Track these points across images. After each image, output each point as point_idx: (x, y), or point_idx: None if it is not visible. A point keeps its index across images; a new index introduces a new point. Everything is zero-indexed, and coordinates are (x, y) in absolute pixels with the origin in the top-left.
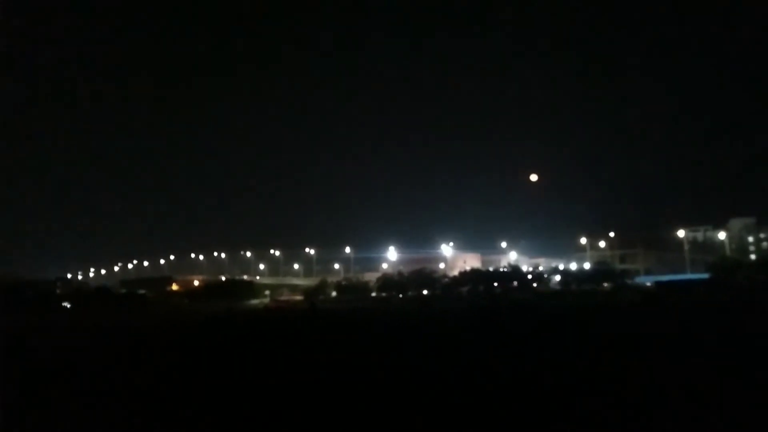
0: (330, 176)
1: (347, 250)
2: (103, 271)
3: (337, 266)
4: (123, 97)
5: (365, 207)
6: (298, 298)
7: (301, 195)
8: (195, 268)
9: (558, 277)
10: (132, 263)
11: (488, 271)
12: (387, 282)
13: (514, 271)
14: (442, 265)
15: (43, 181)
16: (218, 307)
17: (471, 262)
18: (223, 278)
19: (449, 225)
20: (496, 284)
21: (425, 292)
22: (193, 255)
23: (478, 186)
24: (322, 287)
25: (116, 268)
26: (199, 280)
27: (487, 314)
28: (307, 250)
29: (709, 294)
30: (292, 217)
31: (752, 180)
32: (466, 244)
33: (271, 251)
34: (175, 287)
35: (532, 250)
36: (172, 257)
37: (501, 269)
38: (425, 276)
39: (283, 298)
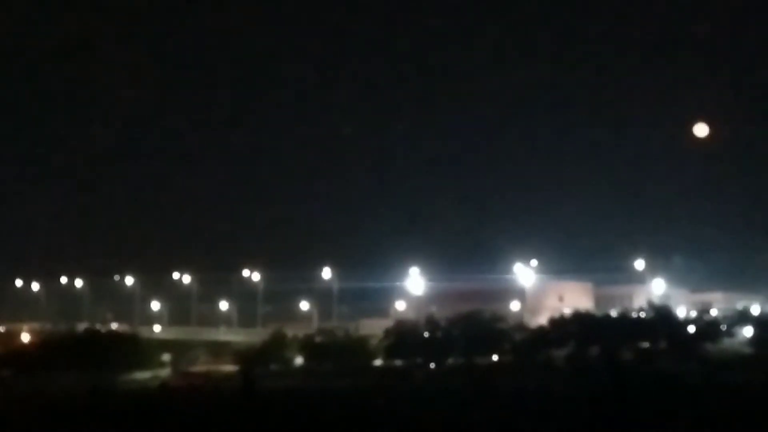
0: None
1: (326, 274)
2: None
3: (305, 306)
4: None
5: (364, 196)
6: (227, 368)
7: (235, 175)
8: (25, 307)
9: (750, 330)
10: None
11: (608, 317)
12: (404, 338)
13: (662, 317)
14: (514, 305)
15: None
16: (70, 385)
17: (574, 298)
18: (83, 328)
19: (529, 230)
20: (624, 345)
21: (481, 358)
22: (19, 283)
23: (585, 158)
24: (274, 347)
25: None
26: (32, 331)
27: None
28: (245, 273)
29: None
30: (217, 214)
31: None
32: (562, 264)
33: (175, 276)
34: None
35: (694, 277)
36: None
37: (635, 314)
38: (481, 326)
39: (198, 368)
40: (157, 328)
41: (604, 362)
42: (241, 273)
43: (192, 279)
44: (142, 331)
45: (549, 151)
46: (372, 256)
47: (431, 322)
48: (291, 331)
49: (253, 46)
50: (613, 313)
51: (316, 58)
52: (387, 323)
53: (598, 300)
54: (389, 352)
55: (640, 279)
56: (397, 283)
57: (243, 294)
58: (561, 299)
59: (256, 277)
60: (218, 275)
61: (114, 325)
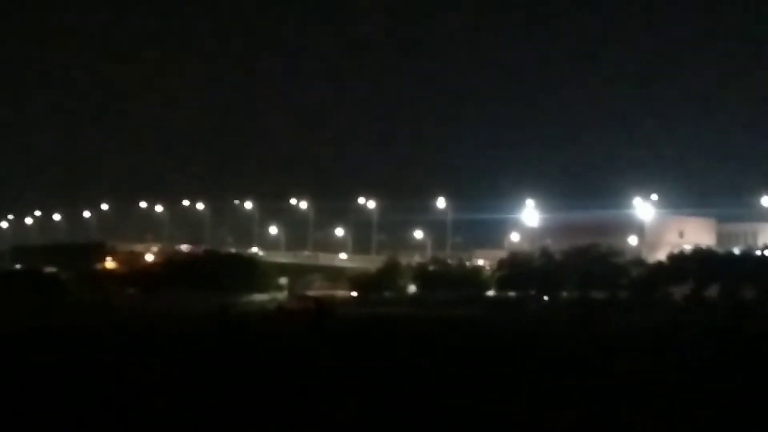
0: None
1: (440, 203)
2: None
3: (419, 235)
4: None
5: (474, 124)
6: (343, 293)
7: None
8: (148, 228)
9: None
10: (34, 216)
11: (730, 254)
12: (517, 269)
13: None
14: (632, 240)
15: None
16: (192, 305)
17: (695, 234)
18: (202, 249)
19: (648, 163)
20: (746, 284)
21: (596, 293)
22: (143, 204)
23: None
24: (388, 275)
25: (4, 224)
26: (155, 252)
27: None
28: (360, 200)
29: None
30: (330, 141)
31: None
32: (684, 199)
33: (292, 201)
34: (111, 264)
35: None
36: (105, 207)
37: (759, 252)
38: (596, 260)
39: (314, 292)
40: (270, 253)
41: (729, 303)
42: (356, 201)
43: (309, 205)
44: (260, 255)
45: (673, 86)
46: (487, 186)
47: (546, 255)
48: (405, 260)
49: None
50: (736, 251)
51: None
52: (501, 254)
53: (721, 237)
54: (502, 283)
55: (766, 216)
56: (512, 215)
57: (358, 221)
58: (681, 235)
59: (371, 205)
60: (334, 202)
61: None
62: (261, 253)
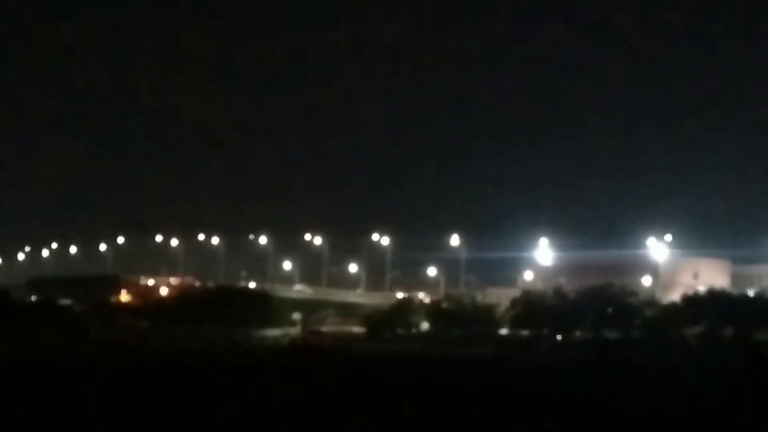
0: (427, 108)
1: (454, 240)
2: None
3: (432, 272)
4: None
5: (490, 161)
6: (356, 329)
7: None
8: (163, 262)
9: None
10: (51, 248)
11: (745, 296)
12: (531, 308)
13: None
14: (646, 280)
15: None
16: (206, 338)
17: (709, 275)
18: (217, 284)
19: (663, 203)
20: (760, 326)
21: (609, 333)
22: (159, 238)
23: (726, 135)
24: (401, 311)
25: (22, 256)
26: (170, 285)
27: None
28: (374, 237)
29: None
30: (347, 180)
31: None
32: (698, 240)
33: (306, 237)
34: (125, 297)
35: None
36: (120, 240)
37: None
38: (610, 300)
39: (328, 328)
40: (294, 288)
41: (743, 344)
42: (371, 237)
43: (323, 240)
44: (275, 289)
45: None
46: (501, 225)
47: (559, 294)
48: (418, 296)
49: None
50: (751, 293)
51: None
52: (514, 293)
53: (735, 278)
54: (515, 322)
55: None
56: (526, 253)
57: (372, 257)
58: (696, 276)
59: (385, 241)
60: (349, 238)
61: (252, 284)
62: (297, 287)
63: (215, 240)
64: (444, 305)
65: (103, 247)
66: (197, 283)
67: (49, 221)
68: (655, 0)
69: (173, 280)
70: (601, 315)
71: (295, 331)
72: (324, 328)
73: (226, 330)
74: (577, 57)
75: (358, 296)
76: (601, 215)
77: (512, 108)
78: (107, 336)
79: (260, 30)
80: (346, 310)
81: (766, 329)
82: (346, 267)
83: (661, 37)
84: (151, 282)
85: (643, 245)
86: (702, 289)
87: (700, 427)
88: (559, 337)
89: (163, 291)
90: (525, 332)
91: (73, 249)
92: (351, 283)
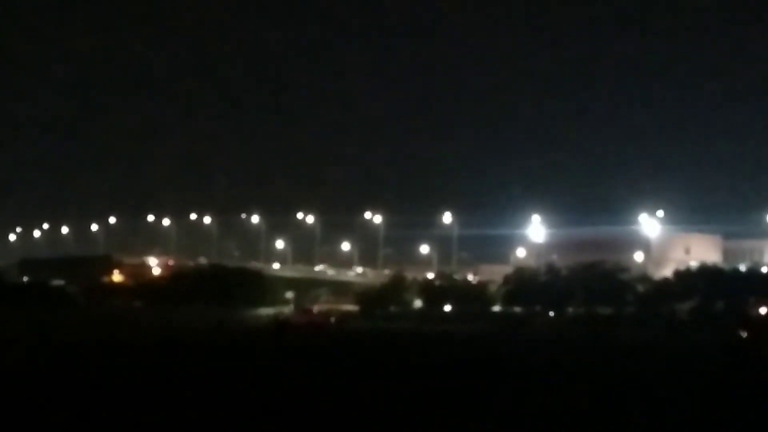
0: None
1: (446, 218)
2: None
3: (425, 250)
4: None
5: (481, 139)
6: (349, 308)
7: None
8: (155, 241)
9: None
10: (42, 229)
11: (736, 271)
12: (523, 284)
13: None
14: (638, 256)
15: None
16: (197, 318)
17: (701, 251)
18: (210, 263)
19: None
20: (752, 300)
21: (602, 309)
22: (151, 218)
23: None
24: (393, 289)
25: (12, 237)
26: (162, 265)
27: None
28: (366, 215)
29: None
30: (337, 156)
31: None
32: (690, 216)
33: (299, 216)
34: (118, 277)
35: None
36: (112, 221)
37: (765, 269)
38: (602, 276)
39: (320, 306)
40: (278, 267)
41: (734, 319)
42: (363, 215)
43: (315, 219)
44: (267, 268)
45: (680, 100)
46: (493, 202)
47: (551, 270)
48: (410, 274)
49: None
50: (742, 268)
51: None
52: (506, 269)
53: (727, 253)
54: (508, 299)
55: None
56: (518, 230)
57: (364, 236)
58: (687, 251)
59: (377, 219)
60: (341, 217)
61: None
62: (276, 266)
63: (207, 219)
64: (436, 282)
65: (95, 227)
66: (190, 263)
67: (40, 202)
68: None
69: (165, 260)
70: (593, 291)
71: (288, 309)
72: (317, 307)
73: (218, 310)
74: (566, 30)
75: (350, 275)
76: (592, 192)
77: (504, 83)
78: (98, 315)
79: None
80: (340, 289)
81: (758, 304)
82: (339, 246)
83: (654, 6)
84: (145, 261)
85: (634, 221)
86: (694, 264)
87: (692, 399)
88: (551, 314)
89: (156, 271)
90: (517, 309)
91: (64, 229)
92: (344, 261)
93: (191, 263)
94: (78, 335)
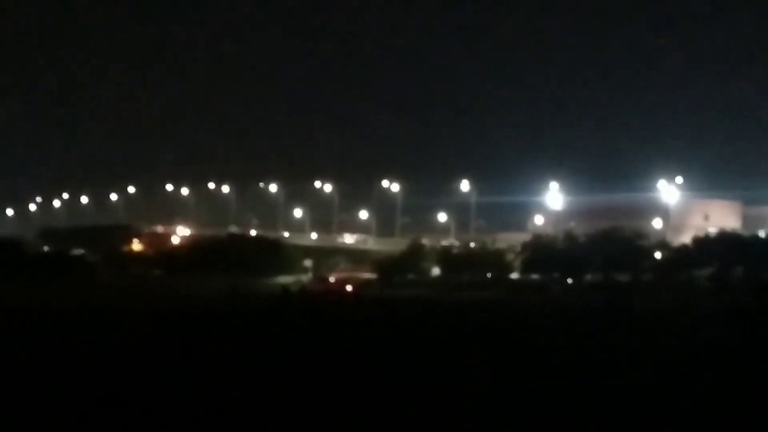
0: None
1: (464, 186)
2: (9, 212)
3: (442, 218)
4: None
5: (499, 106)
6: (367, 275)
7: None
8: (175, 211)
9: None
10: (62, 199)
11: (756, 237)
12: (541, 252)
13: None
14: (656, 223)
15: None
16: (214, 287)
17: (720, 217)
18: (228, 232)
19: (674, 145)
20: None
21: (620, 276)
22: (170, 187)
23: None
24: (411, 257)
25: (33, 207)
26: (182, 235)
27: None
28: (384, 183)
29: None
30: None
31: None
32: (709, 182)
33: (316, 185)
34: (137, 246)
35: None
36: (132, 190)
37: None
38: (621, 243)
39: (339, 274)
40: (297, 236)
41: (753, 284)
42: (380, 184)
43: (333, 188)
44: (286, 238)
45: (699, 66)
46: (511, 169)
47: (569, 238)
48: (428, 242)
49: None
50: (762, 234)
51: None
52: (524, 237)
53: (746, 220)
54: (526, 266)
55: None
56: (536, 198)
57: (382, 204)
58: (706, 218)
59: (395, 188)
60: (359, 185)
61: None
62: (286, 234)
63: (225, 188)
64: (454, 250)
65: (114, 196)
66: (209, 232)
67: (59, 171)
68: None
69: (185, 229)
70: (612, 258)
71: (306, 277)
72: (334, 275)
73: (236, 278)
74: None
75: (368, 243)
76: (611, 158)
77: (521, 51)
78: (118, 285)
79: None
80: (358, 257)
81: None
82: (357, 214)
83: None
84: (166, 230)
85: (653, 188)
86: (713, 230)
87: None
88: (569, 281)
89: (175, 240)
90: (536, 276)
91: (84, 199)
92: (362, 230)
93: (211, 233)
94: (94, 305)
